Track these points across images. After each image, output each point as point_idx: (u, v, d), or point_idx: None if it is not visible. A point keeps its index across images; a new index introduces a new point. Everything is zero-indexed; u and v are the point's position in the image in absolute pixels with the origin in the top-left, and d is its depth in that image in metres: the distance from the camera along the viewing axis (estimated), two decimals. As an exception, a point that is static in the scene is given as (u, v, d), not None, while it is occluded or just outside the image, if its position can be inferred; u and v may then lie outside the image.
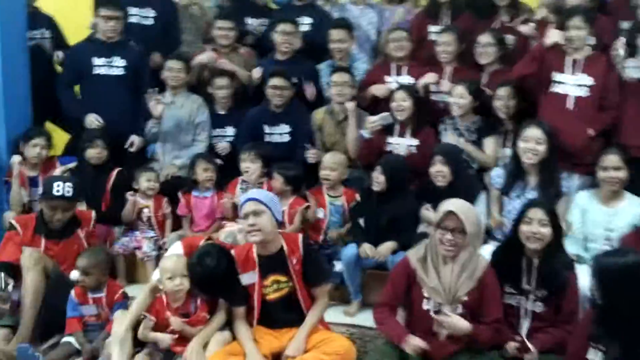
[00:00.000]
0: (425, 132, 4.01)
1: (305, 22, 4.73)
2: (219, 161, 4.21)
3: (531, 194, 3.43)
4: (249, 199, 2.97)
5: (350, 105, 4.11)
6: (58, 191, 3.35)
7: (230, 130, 4.42)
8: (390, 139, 4.03)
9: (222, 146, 4.34)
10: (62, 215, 3.40)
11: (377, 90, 4.27)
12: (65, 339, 3.16)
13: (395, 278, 2.94)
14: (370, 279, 3.67)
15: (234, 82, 4.46)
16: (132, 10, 4.58)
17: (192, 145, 4.39)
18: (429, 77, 4.15)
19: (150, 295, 3.00)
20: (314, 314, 2.98)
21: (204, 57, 4.52)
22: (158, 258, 3.80)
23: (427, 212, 3.56)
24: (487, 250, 3.21)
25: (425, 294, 2.84)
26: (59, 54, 4.62)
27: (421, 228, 3.60)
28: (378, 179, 3.60)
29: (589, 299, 2.72)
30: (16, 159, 4.04)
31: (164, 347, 2.91)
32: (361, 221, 3.69)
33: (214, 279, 2.89)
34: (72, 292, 3.23)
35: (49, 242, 3.40)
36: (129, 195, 3.94)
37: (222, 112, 4.44)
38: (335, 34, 4.38)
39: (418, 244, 3.01)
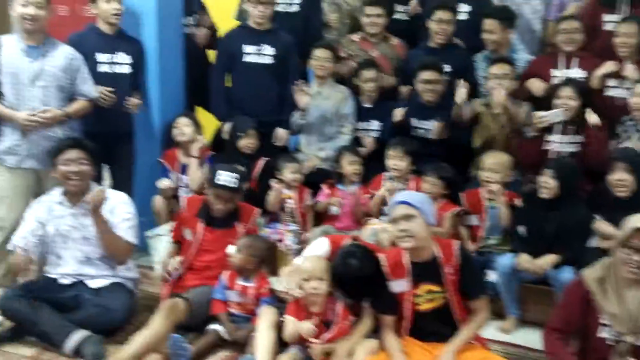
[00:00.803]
0: (593, 129, 3.59)
1: (464, 10, 4.42)
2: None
3: None
4: (400, 202, 2.76)
5: (500, 96, 3.77)
6: (222, 180, 3.29)
7: (375, 124, 4.23)
8: (550, 137, 3.65)
9: (368, 141, 4.16)
10: (224, 205, 3.34)
11: (534, 86, 3.91)
12: (211, 326, 3.11)
13: (569, 301, 2.62)
14: (529, 294, 3.36)
15: (381, 74, 4.27)
16: None
17: (336, 137, 4.26)
18: (608, 66, 3.71)
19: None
20: (470, 327, 2.73)
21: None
22: (299, 252, 3.65)
23: (603, 225, 3.15)
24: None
25: (604, 321, 2.50)
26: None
27: (593, 242, 3.22)
28: (548, 184, 3.25)
29: None
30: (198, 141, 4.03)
31: (307, 336, 2.80)
32: (521, 229, 3.36)
33: (359, 281, 2.73)
34: (224, 274, 3.19)
35: (207, 229, 3.36)
36: (274, 182, 3.86)
37: (368, 105, 4.26)
38: (488, 23, 4.10)
39: (591, 261, 2.69)
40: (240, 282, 3.17)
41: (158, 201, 3.96)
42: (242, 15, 4.90)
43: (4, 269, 3.47)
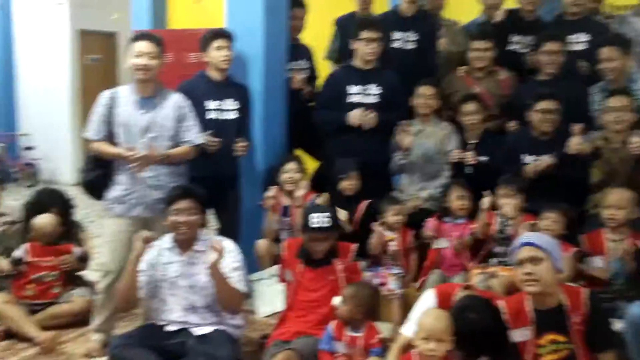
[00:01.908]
0: None
1: (581, 40, 4.26)
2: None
3: None
4: (527, 243, 2.62)
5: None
6: (315, 223, 3.29)
7: (482, 159, 4.03)
8: None
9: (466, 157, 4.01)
10: (322, 245, 3.34)
11: None
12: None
13: None
14: None
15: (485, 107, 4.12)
16: (395, 34, 4.50)
17: (438, 176, 4.14)
18: None
19: (400, 353, 2.77)
20: None
21: None
22: (403, 296, 3.59)
23: None
24: None
25: None
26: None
27: None
28: None
29: None
30: (272, 191, 4.05)
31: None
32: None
33: (479, 335, 2.54)
34: (331, 324, 3.12)
35: (307, 268, 3.36)
36: (375, 225, 3.78)
37: (473, 141, 4.10)
38: (605, 52, 3.89)
39: None
40: (348, 333, 3.08)
41: (261, 245, 3.97)
42: (332, 54, 4.96)
43: (108, 314, 3.58)
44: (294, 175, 4.05)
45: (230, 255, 3.23)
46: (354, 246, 3.48)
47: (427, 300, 2.90)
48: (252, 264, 3.91)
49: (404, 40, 4.50)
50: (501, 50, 4.34)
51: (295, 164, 4.10)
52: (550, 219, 3.42)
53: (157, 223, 3.44)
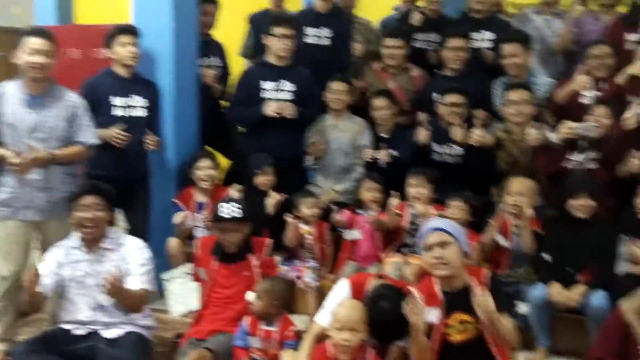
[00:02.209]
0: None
1: (486, 38, 4.42)
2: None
3: None
4: (435, 229, 2.72)
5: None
6: (225, 213, 3.28)
7: (393, 152, 4.14)
8: (571, 155, 3.59)
9: (383, 153, 4.11)
10: (234, 237, 3.31)
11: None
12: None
13: (607, 332, 2.60)
14: (561, 323, 3.26)
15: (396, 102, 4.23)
16: (308, 30, 4.53)
17: (353, 170, 4.22)
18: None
19: (314, 342, 2.82)
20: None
21: None
22: (319, 289, 3.62)
23: (635, 248, 3.01)
24: None
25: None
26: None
27: (623, 267, 3.09)
28: (586, 204, 3.17)
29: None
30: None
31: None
32: (546, 256, 3.27)
33: (392, 322, 2.62)
34: (245, 319, 3.11)
35: (222, 265, 3.33)
36: (289, 218, 3.79)
37: (385, 135, 4.21)
38: (508, 48, 4.06)
39: (623, 288, 2.74)
40: (262, 327, 3.08)
41: (173, 243, 3.90)
42: (246, 51, 4.96)
43: (9, 321, 3.44)
44: (209, 172, 4.02)
45: (137, 253, 3.17)
46: (268, 241, 3.48)
47: (341, 290, 2.95)
48: (165, 262, 3.84)
49: (318, 36, 4.55)
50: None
51: (210, 161, 4.07)
52: (456, 207, 3.55)
53: (51, 227, 3.35)
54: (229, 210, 3.28)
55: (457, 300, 2.67)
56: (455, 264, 2.67)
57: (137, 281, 3.09)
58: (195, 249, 3.50)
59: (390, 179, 3.89)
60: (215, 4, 4.69)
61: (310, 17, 4.57)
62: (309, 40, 4.52)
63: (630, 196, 3.27)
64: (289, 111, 4.06)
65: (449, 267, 2.65)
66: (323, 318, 2.88)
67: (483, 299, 2.52)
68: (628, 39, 4.02)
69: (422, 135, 4.02)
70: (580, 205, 3.20)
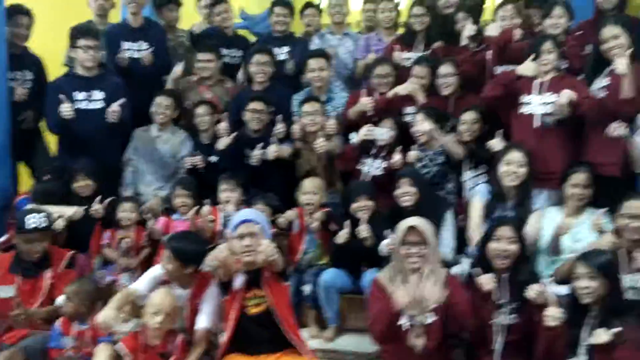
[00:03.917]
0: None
1: (283, 52, 4.84)
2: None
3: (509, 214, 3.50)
4: (245, 220, 3.05)
5: (332, 123, 4.21)
6: (32, 224, 3.41)
7: (213, 159, 4.45)
8: (365, 158, 4.14)
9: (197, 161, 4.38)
10: (40, 247, 3.45)
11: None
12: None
13: (371, 300, 3.06)
14: (347, 304, 3.72)
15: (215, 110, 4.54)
16: (126, 44, 4.69)
17: (174, 178, 4.44)
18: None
19: (124, 299, 3.10)
20: None
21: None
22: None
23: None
24: (459, 270, 3.31)
25: (398, 309, 2.93)
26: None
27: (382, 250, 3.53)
28: (410, 192, 3.64)
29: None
30: None
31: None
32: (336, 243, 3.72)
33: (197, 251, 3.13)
34: (58, 321, 3.24)
35: (22, 282, 3.43)
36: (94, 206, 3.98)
37: (208, 142, 4.49)
38: (314, 63, 4.46)
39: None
40: (75, 327, 3.23)
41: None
42: (71, 61, 5.00)
43: None
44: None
45: None
46: (68, 253, 3.62)
47: (155, 269, 3.27)
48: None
49: (134, 50, 4.72)
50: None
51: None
52: (258, 210, 3.85)
53: None
54: (36, 220, 3.42)
55: (254, 278, 3.03)
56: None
57: None
58: None
59: (211, 185, 4.15)
60: (29, 16, 4.66)
61: (126, 31, 4.74)
62: (127, 54, 4.69)
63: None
64: (113, 118, 4.22)
65: (257, 254, 2.99)
66: (136, 285, 3.21)
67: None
68: (404, 57, 4.59)
69: (222, 142, 4.32)
70: (360, 207, 3.67)
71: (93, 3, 4.90)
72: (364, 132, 4.08)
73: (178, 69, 4.82)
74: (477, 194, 3.72)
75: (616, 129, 3.48)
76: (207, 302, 3.15)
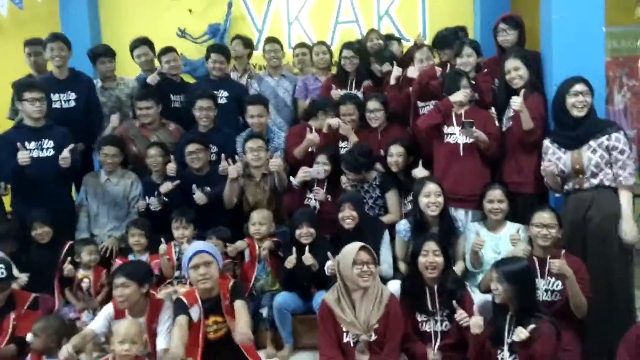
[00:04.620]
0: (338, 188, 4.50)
1: (223, 95, 5.15)
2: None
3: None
4: (198, 251, 3.38)
5: (275, 166, 4.50)
6: None
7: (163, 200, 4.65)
8: (308, 194, 4.52)
9: (152, 204, 4.59)
10: (2, 295, 3.69)
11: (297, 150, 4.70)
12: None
13: (322, 320, 3.34)
14: (300, 324, 3.99)
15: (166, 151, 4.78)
16: (55, 96, 4.87)
17: (128, 218, 4.67)
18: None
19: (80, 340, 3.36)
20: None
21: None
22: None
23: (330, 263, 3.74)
24: (394, 286, 3.66)
25: (344, 329, 3.25)
26: None
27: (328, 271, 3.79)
28: (352, 216, 3.96)
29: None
30: None
31: None
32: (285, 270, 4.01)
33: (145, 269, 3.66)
34: (28, 357, 3.43)
35: None
36: (66, 267, 4.20)
37: (158, 182, 4.71)
38: (254, 109, 4.78)
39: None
40: (47, 360, 3.43)
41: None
42: (13, 114, 5.19)
43: None
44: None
45: None
46: (31, 296, 3.85)
47: (107, 308, 3.55)
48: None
49: (63, 100, 4.91)
50: (166, 107, 5.08)
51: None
52: (212, 242, 4.15)
53: None
54: None
55: (212, 306, 3.36)
56: (215, 278, 3.38)
57: None
58: None
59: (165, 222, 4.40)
60: None
61: (54, 83, 4.89)
62: (57, 105, 4.88)
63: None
64: (65, 163, 4.43)
65: (211, 281, 3.35)
66: (92, 325, 3.51)
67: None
68: (334, 94, 4.97)
69: (165, 186, 4.57)
70: (303, 233, 3.97)
71: (28, 61, 5.22)
72: (302, 175, 4.44)
73: (115, 117, 5.06)
74: (399, 234, 4.03)
75: (514, 103, 3.92)
76: (162, 324, 3.46)
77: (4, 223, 4.51)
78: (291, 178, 4.52)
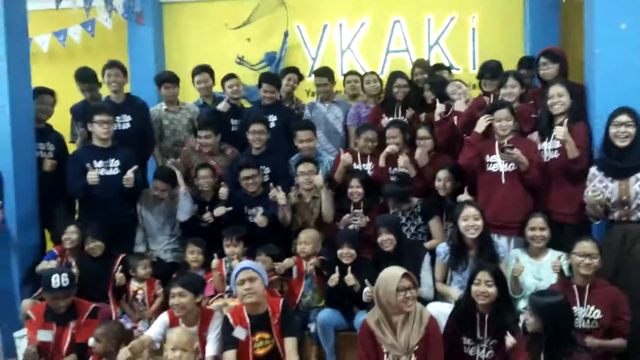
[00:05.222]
0: (375, 209, 4.69)
1: (272, 120, 5.38)
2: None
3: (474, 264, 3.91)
4: (244, 268, 3.62)
5: (319, 181, 4.74)
6: (56, 283, 3.89)
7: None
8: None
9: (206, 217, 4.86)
10: (65, 302, 3.95)
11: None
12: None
13: (361, 340, 3.44)
14: (343, 340, 4.12)
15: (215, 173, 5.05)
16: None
17: (174, 233, 5.02)
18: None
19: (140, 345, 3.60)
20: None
21: None
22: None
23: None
24: (437, 308, 3.77)
25: (385, 350, 3.34)
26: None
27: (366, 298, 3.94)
28: (389, 239, 4.10)
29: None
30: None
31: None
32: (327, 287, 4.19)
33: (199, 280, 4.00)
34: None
35: (58, 328, 3.94)
36: (117, 276, 4.48)
37: (208, 200, 4.97)
38: (302, 134, 5.04)
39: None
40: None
41: (25, 304, 4.35)
42: (74, 137, 5.51)
43: None
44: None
45: None
46: (91, 306, 4.09)
47: (161, 318, 3.80)
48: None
49: (119, 122, 5.19)
50: (227, 131, 5.37)
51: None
52: (261, 259, 4.39)
53: None
54: (59, 280, 3.90)
55: (259, 322, 3.56)
56: (260, 294, 3.58)
57: None
58: (25, 316, 4.07)
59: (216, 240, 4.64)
60: (53, 95, 5.24)
61: (110, 108, 5.03)
62: (114, 126, 5.06)
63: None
64: (129, 184, 4.76)
65: (255, 296, 3.57)
66: (148, 332, 3.76)
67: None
68: (383, 121, 5.17)
69: (218, 210, 4.81)
70: (343, 253, 4.13)
71: (83, 94, 5.48)
72: (347, 220, 4.65)
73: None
74: (439, 256, 4.14)
75: (559, 132, 4.01)
76: (212, 332, 3.70)
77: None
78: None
